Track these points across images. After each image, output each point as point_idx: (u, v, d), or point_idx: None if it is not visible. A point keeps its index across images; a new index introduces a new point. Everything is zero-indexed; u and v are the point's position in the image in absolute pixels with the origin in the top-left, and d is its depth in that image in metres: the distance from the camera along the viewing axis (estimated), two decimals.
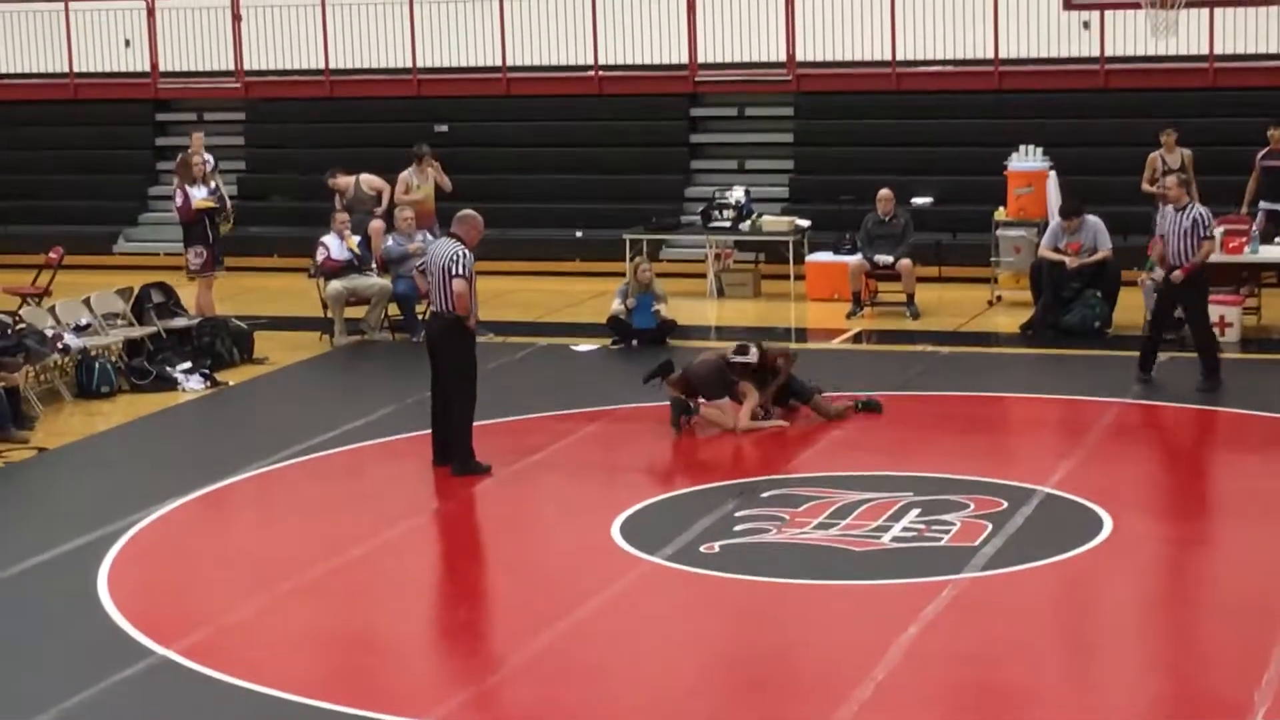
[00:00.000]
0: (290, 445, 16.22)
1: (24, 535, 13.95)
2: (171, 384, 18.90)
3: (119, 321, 19.89)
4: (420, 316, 21.11)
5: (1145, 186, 21.79)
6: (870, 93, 26.12)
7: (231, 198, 27.36)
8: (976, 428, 16.82)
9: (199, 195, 21.12)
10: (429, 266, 15.34)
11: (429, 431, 15.47)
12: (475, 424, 15.31)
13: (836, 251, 23.02)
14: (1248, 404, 16.92)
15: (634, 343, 20.16)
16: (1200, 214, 17.70)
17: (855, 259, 22.08)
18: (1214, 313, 19.46)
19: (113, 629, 11.73)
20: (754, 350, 16.53)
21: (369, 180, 23.29)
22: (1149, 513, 13.82)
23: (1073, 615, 11.97)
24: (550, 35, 27.28)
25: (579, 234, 25.83)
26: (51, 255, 22.69)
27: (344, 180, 23.62)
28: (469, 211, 15.53)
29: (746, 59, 26.72)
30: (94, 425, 17.60)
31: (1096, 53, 25.01)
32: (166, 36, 28.99)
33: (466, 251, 15.08)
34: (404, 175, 23.22)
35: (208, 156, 25.80)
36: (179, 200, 21.36)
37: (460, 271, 14.95)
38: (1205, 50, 24.50)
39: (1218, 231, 20.27)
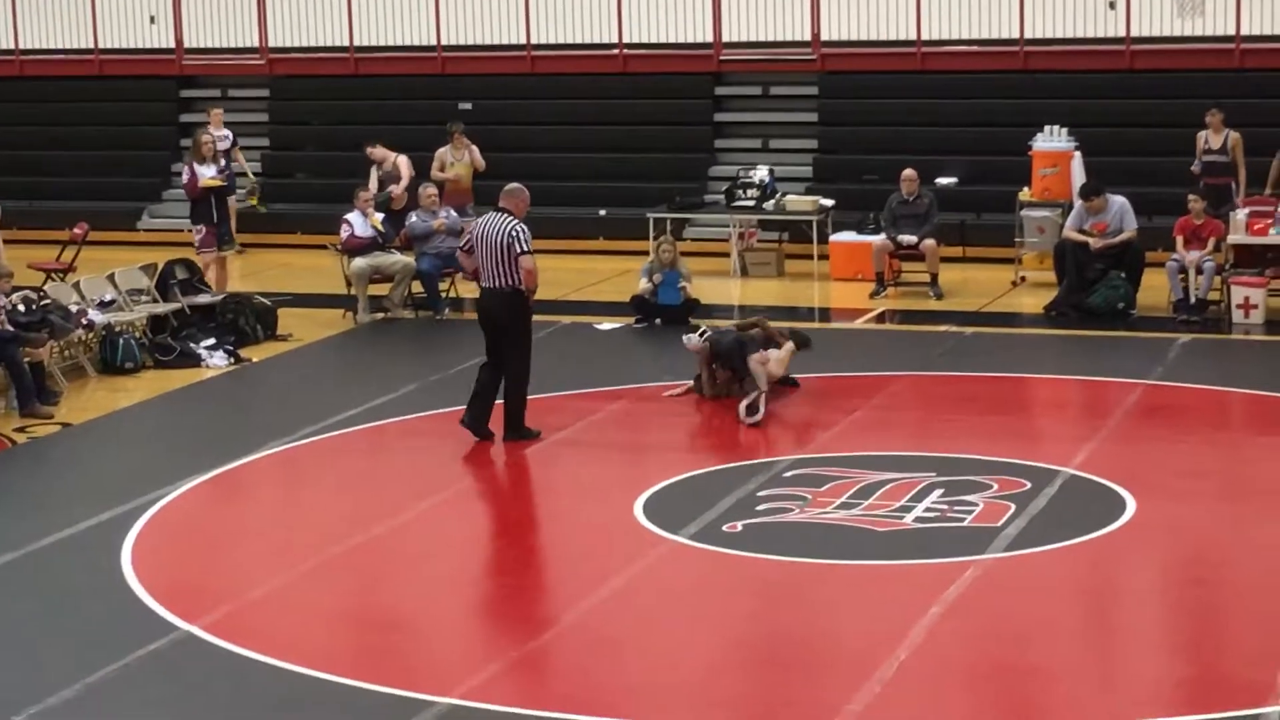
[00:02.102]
0: (313, 422, 16.24)
1: (48, 511, 13.98)
2: (195, 360, 18.95)
3: (143, 298, 19.94)
4: (445, 294, 21.22)
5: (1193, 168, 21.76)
6: (895, 72, 26.04)
7: (256, 174, 27.54)
8: (1000, 408, 16.80)
9: (207, 174, 21.17)
10: (477, 242, 15.34)
11: (453, 409, 15.50)
12: (501, 401, 15.43)
13: (860, 231, 22.97)
14: (1271, 386, 16.87)
15: (657, 321, 20.15)
16: None
17: (879, 239, 22.03)
18: (1238, 294, 19.50)
19: (137, 604, 11.76)
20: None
21: (404, 161, 23.41)
22: (1172, 494, 13.80)
23: (1095, 596, 11.97)
24: (575, 13, 27.22)
25: (602, 212, 25.81)
26: (76, 231, 22.72)
27: (381, 152, 23.67)
28: (516, 185, 15.62)
29: (771, 38, 26.64)
30: (118, 401, 17.64)
31: (1123, 33, 24.93)
32: (191, 13, 28.98)
33: (523, 226, 15.18)
34: (440, 152, 23.38)
35: (227, 132, 25.95)
36: (185, 176, 21.46)
37: (525, 248, 15.06)
38: (1232, 30, 24.41)
39: (1242, 213, 20.30)
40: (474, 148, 23.60)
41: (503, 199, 15.50)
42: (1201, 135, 21.68)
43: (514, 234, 15.12)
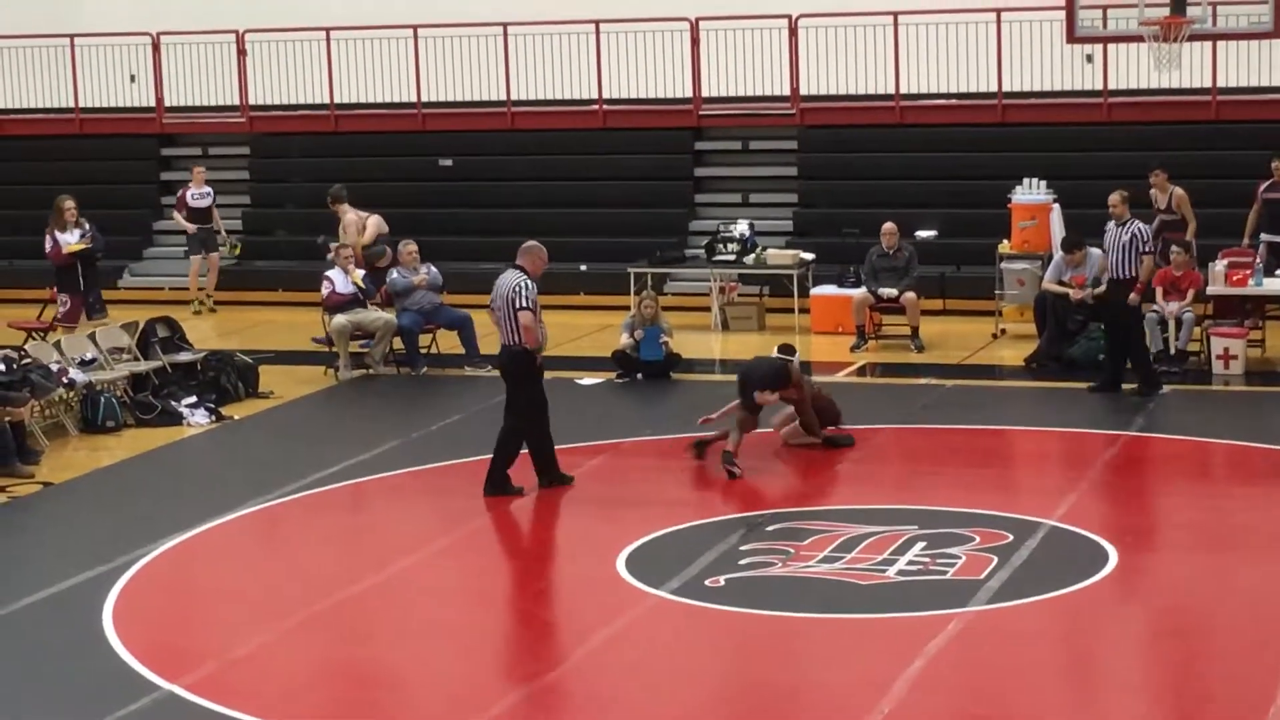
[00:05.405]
0: (295, 479, 16.22)
1: (29, 570, 13.94)
2: (176, 418, 18.92)
3: (124, 356, 19.90)
4: (425, 350, 21.19)
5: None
6: (874, 126, 26.14)
7: (235, 231, 27.60)
8: (981, 461, 16.82)
9: (69, 240, 21.33)
10: (493, 300, 15.44)
11: (435, 465, 15.50)
12: (478, 458, 15.44)
13: (841, 284, 23.02)
14: (1251, 436, 16.91)
15: (639, 376, 20.18)
16: (1138, 229, 18.73)
17: (859, 292, 22.09)
18: (1218, 345, 19.56)
19: (118, 664, 11.72)
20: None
21: (373, 221, 23.34)
22: (1154, 545, 13.82)
23: (1078, 648, 11.96)
24: (555, 69, 27.31)
25: (583, 268, 25.83)
26: (56, 290, 22.70)
27: (344, 208, 23.46)
28: (533, 243, 15.75)
29: (750, 93, 26.75)
30: (99, 460, 17.61)
31: (1100, 86, 25.04)
32: (171, 71, 29.04)
33: (529, 282, 15.27)
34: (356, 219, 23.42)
35: (208, 189, 25.97)
36: (48, 245, 21.61)
37: (525, 304, 15.14)
38: (1208, 83, 24.53)
39: (1221, 265, 20.38)
40: (368, 219, 23.37)
41: (519, 256, 15.62)
42: (1152, 194, 21.86)
43: (517, 289, 15.22)
